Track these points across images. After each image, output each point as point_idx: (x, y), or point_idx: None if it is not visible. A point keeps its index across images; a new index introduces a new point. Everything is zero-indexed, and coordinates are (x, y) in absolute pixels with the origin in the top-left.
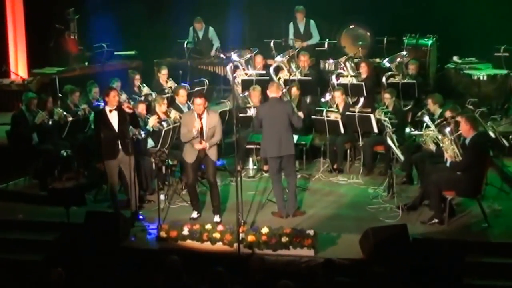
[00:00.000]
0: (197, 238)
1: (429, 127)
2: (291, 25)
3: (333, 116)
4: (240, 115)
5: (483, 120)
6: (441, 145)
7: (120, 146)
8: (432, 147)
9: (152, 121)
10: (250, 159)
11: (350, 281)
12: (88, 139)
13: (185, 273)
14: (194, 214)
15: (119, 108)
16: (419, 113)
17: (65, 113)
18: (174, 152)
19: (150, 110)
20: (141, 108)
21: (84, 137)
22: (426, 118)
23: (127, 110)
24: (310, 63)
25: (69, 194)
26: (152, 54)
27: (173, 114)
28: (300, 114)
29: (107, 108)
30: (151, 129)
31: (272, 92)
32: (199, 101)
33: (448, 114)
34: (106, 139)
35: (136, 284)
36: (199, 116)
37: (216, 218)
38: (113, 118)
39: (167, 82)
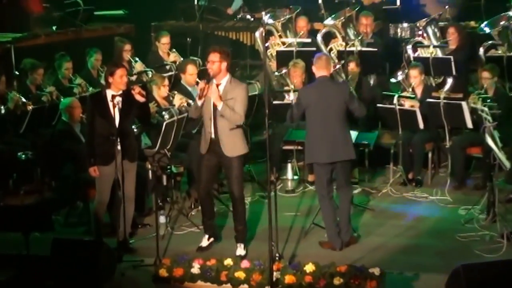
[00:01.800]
0: (212, 278)
1: None
2: None
3: (408, 104)
4: (275, 102)
5: None
6: None
7: (119, 147)
8: None
9: None
10: (289, 166)
11: None
12: (58, 136)
13: None
14: (205, 240)
15: (127, 94)
16: None
17: (23, 99)
18: (179, 156)
19: (146, 95)
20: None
21: (52, 133)
22: None
23: (139, 98)
24: (375, 27)
25: (28, 214)
26: (148, 14)
27: (178, 100)
28: None
29: (109, 93)
30: None
31: (321, 69)
32: (212, 57)
33: None
34: (101, 136)
35: None
36: (207, 82)
37: (240, 250)
38: (116, 107)
39: (168, 54)
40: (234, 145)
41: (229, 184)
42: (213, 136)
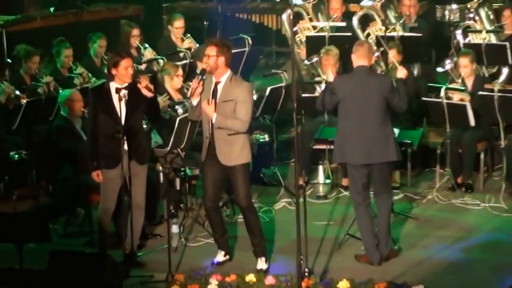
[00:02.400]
0: None
1: None
2: None
3: (457, 98)
4: (304, 95)
5: None
6: None
7: (126, 148)
8: None
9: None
10: (320, 169)
11: None
12: (56, 133)
13: None
14: (220, 256)
15: (133, 88)
16: None
17: (16, 91)
18: (194, 156)
19: (157, 86)
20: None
21: (49, 129)
22: None
23: (146, 93)
24: (419, 9)
25: (22, 223)
26: None
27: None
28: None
29: (113, 86)
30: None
31: (359, 58)
32: (208, 50)
33: None
34: (106, 135)
35: None
36: (201, 79)
37: (261, 264)
38: (122, 101)
39: (183, 40)
40: (230, 153)
41: (234, 193)
42: (210, 141)
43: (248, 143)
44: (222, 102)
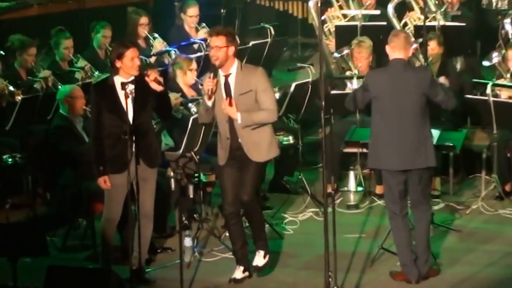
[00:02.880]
0: None
1: None
2: None
3: (505, 95)
4: (333, 91)
5: None
6: None
7: (134, 149)
8: None
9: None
10: (351, 174)
11: None
12: (54, 134)
13: None
14: (238, 272)
15: (140, 82)
16: None
17: (10, 86)
18: (210, 160)
19: (167, 82)
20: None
21: (47, 130)
22: None
23: (155, 86)
24: None
25: (16, 235)
26: None
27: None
28: (442, 80)
29: (118, 80)
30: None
31: (397, 50)
32: (215, 41)
33: None
34: (111, 136)
35: None
36: (214, 76)
37: (259, 258)
38: (128, 98)
39: (197, 30)
40: (260, 150)
41: (241, 187)
42: (232, 141)
43: (273, 135)
44: (239, 96)
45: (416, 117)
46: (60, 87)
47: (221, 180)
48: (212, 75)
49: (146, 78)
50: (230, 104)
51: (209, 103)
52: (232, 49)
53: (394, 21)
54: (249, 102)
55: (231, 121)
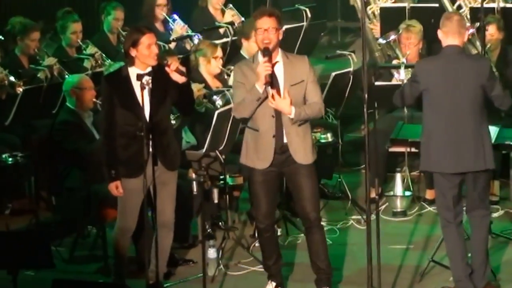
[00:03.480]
0: None
1: None
2: None
3: None
4: (377, 83)
5: None
6: None
7: (151, 150)
8: None
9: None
10: (398, 177)
11: None
12: (60, 130)
13: None
14: (270, 287)
15: (159, 73)
16: None
17: (11, 77)
18: (237, 160)
19: (187, 72)
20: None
21: (51, 126)
22: None
23: (176, 78)
24: None
25: (17, 245)
26: None
27: None
28: None
29: (133, 71)
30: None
31: (451, 36)
32: (266, 22)
33: None
34: (125, 134)
35: None
36: (269, 60)
37: None
38: (145, 91)
39: (223, 12)
40: (306, 150)
41: (301, 203)
42: (277, 140)
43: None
44: (290, 87)
45: (473, 112)
46: (66, 76)
47: (254, 187)
48: (267, 58)
49: (167, 69)
50: (282, 97)
51: (258, 87)
52: (281, 33)
53: (447, 2)
54: (298, 95)
55: (277, 115)
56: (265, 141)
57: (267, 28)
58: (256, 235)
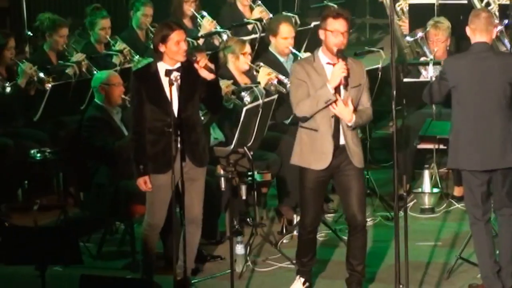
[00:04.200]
0: None
1: None
2: None
3: None
4: (406, 79)
5: None
6: None
7: (180, 146)
8: None
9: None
10: (426, 174)
11: None
12: (88, 126)
13: None
14: (298, 284)
15: (187, 69)
16: None
17: (40, 73)
18: (265, 157)
19: (215, 68)
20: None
21: (80, 122)
22: None
23: (205, 74)
24: None
25: (45, 240)
26: None
27: (264, 75)
28: None
29: (162, 67)
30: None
31: (479, 33)
32: (341, 24)
33: None
34: (154, 130)
35: None
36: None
37: None
38: (173, 87)
39: (252, 8)
40: (359, 151)
41: (350, 205)
42: (336, 141)
43: None
44: (350, 89)
45: (500, 109)
46: (95, 72)
47: (305, 192)
48: (341, 60)
49: (195, 65)
50: (345, 103)
51: (330, 88)
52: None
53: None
54: (356, 98)
55: (337, 116)
56: (323, 141)
57: (343, 32)
58: (297, 235)
